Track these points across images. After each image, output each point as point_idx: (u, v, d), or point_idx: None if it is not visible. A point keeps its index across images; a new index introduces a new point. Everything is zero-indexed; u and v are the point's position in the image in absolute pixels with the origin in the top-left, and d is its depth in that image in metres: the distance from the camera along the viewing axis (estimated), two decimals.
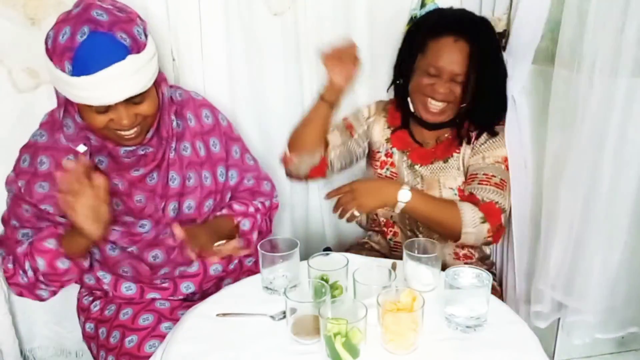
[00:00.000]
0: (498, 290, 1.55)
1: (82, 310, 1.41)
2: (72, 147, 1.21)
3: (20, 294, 1.28)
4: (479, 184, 1.36)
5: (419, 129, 1.48)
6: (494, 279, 1.51)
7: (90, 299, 1.39)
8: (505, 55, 1.43)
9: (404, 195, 1.28)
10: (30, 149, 1.25)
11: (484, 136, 1.42)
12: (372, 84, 1.64)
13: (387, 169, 1.50)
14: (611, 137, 1.30)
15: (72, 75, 1.07)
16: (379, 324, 1.00)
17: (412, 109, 1.44)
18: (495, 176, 1.36)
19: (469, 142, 1.43)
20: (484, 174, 1.37)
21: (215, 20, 1.55)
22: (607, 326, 1.51)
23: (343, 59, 1.32)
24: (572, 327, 1.51)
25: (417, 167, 1.47)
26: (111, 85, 1.08)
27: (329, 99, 1.36)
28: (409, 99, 1.44)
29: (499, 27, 1.49)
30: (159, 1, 1.47)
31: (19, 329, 1.70)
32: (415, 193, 1.29)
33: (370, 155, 1.56)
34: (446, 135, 1.46)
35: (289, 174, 1.47)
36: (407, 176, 1.48)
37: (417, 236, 1.47)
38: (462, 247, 1.49)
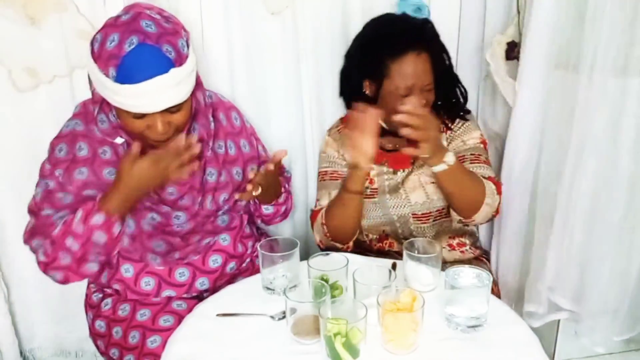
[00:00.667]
0: (495, 288, 1.55)
1: (91, 307, 1.41)
2: (108, 140, 1.24)
3: (66, 279, 1.26)
4: (470, 163, 1.39)
5: (389, 138, 1.45)
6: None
7: (100, 296, 1.39)
8: (520, 64, 1.42)
9: (451, 157, 1.26)
10: (65, 137, 1.27)
11: (456, 123, 1.45)
12: None
13: (367, 188, 1.46)
14: (605, 137, 1.30)
15: (115, 81, 1.10)
16: (379, 324, 1.00)
17: (384, 126, 1.40)
18: (481, 155, 1.41)
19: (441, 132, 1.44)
20: (471, 154, 1.41)
21: (215, 20, 1.55)
22: (621, 328, 1.50)
23: (365, 131, 1.24)
24: (591, 332, 1.50)
25: (399, 172, 1.46)
26: (152, 95, 1.11)
27: (360, 190, 1.32)
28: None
29: (504, 41, 1.47)
30: (159, 1, 1.47)
31: (19, 329, 1.70)
32: (456, 160, 1.29)
33: None
34: None
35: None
36: (388, 185, 1.46)
37: None
38: (453, 236, 1.49)
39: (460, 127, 1.45)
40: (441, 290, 1.10)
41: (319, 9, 1.59)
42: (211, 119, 1.34)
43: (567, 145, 1.34)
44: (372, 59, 1.37)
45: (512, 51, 1.48)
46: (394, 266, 1.24)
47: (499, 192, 1.37)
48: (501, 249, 1.63)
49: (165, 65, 1.11)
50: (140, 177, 1.18)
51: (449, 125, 1.46)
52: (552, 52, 1.36)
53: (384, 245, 1.52)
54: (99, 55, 1.11)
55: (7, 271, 1.65)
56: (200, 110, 1.29)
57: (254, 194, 1.29)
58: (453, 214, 1.45)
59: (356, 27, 1.61)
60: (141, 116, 1.15)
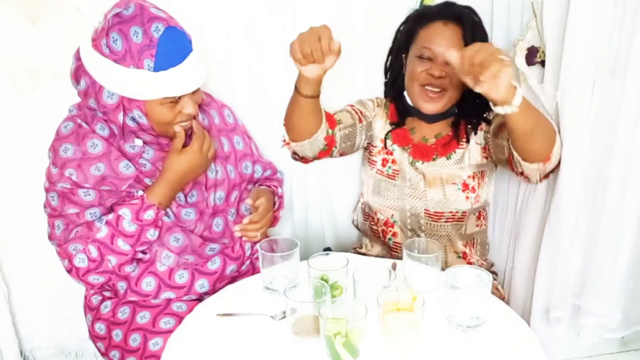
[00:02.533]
0: (502, 294, 1.54)
1: (90, 309, 1.41)
2: (123, 146, 1.24)
3: (107, 282, 1.27)
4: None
5: (419, 125, 1.47)
6: (494, 279, 1.51)
7: (100, 298, 1.39)
8: (552, 68, 1.36)
9: (519, 95, 1.08)
10: (68, 137, 1.24)
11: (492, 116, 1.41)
12: (372, 83, 1.64)
13: (389, 167, 1.49)
14: (622, 138, 1.29)
15: (154, 71, 1.11)
16: (379, 324, 1.00)
17: (410, 103, 1.44)
18: None
19: (475, 133, 1.42)
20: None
21: (216, 20, 1.55)
22: (620, 324, 1.49)
23: (314, 50, 1.13)
24: (582, 329, 1.50)
25: (418, 164, 1.45)
26: (190, 74, 1.16)
27: (306, 92, 1.24)
28: (405, 94, 1.44)
29: (523, 46, 1.44)
30: (159, 2, 1.47)
31: (19, 328, 1.70)
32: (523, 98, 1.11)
33: (368, 150, 1.54)
34: (446, 131, 1.45)
35: (295, 157, 1.46)
36: (409, 173, 1.46)
37: (418, 236, 1.46)
38: (464, 244, 1.48)
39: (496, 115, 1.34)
40: (441, 290, 1.10)
41: (320, 10, 1.59)
42: (200, 114, 1.34)
43: (580, 147, 1.33)
44: (407, 33, 1.41)
45: (534, 56, 1.46)
46: (394, 266, 1.24)
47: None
48: (511, 255, 1.62)
49: (190, 43, 1.16)
50: (189, 165, 1.24)
51: (469, 135, 1.42)
52: (594, 57, 1.29)
53: (388, 232, 1.52)
54: (125, 54, 1.11)
55: (7, 271, 1.65)
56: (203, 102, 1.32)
57: (258, 237, 1.35)
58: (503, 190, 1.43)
59: (358, 28, 1.61)
60: (175, 102, 1.18)
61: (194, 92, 1.22)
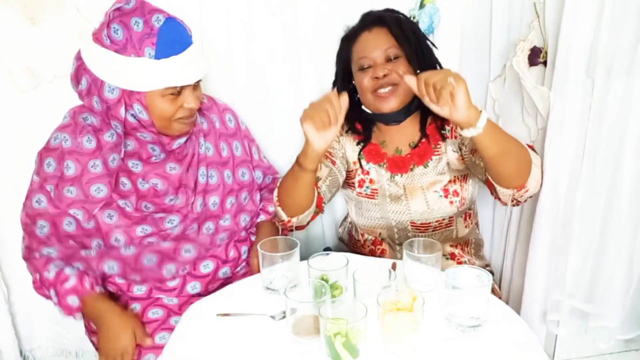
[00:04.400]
0: (498, 293, 1.54)
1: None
2: (108, 158, 1.25)
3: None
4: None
5: (388, 134, 1.44)
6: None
7: None
8: (549, 69, 1.36)
9: (484, 118, 1.11)
10: (53, 152, 1.26)
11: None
12: None
13: (367, 187, 1.45)
14: (630, 139, 1.29)
15: (155, 58, 1.12)
16: (379, 324, 1.00)
17: (369, 111, 1.41)
18: None
19: (444, 139, 1.40)
20: None
21: (216, 20, 1.55)
22: (626, 327, 1.49)
23: (324, 118, 1.17)
24: (596, 333, 1.50)
25: (397, 177, 1.42)
26: (191, 65, 1.17)
27: (311, 167, 1.25)
28: (364, 108, 1.42)
29: (527, 47, 1.44)
30: (159, 2, 1.47)
31: (19, 329, 1.70)
32: (489, 121, 1.13)
33: (347, 176, 1.49)
34: (417, 137, 1.42)
35: (290, 229, 1.42)
36: (389, 189, 1.43)
37: None
38: (455, 245, 1.48)
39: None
40: (441, 290, 1.10)
41: (320, 10, 1.59)
42: (197, 116, 1.34)
43: (585, 149, 1.32)
44: (343, 57, 1.42)
45: (537, 57, 1.45)
46: (394, 266, 1.24)
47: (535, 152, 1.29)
48: (511, 257, 1.61)
49: (190, 36, 1.17)
50: (111, 333, 1.25)
51: (445, 134, 1.40)
52: (588, 57, 1.29)
53: (377, 250, 1.51)
54: (126, 43, 1.12)
55: (7, 271, 1.65)
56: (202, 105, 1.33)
57: None
58: (488, 204, 1.41)
59: None
60: (177, 94, 1.18)
61: (195, 88, 1.22)
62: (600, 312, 1.45)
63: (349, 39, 1.41)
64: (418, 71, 1.31)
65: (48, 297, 1.32)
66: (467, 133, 1.12)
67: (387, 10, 1.41)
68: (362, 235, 1.52)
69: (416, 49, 1.35)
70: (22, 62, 1.48)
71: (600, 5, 1.23)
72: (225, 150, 1.41)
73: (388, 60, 1.34)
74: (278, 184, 1.37)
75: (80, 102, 1.27)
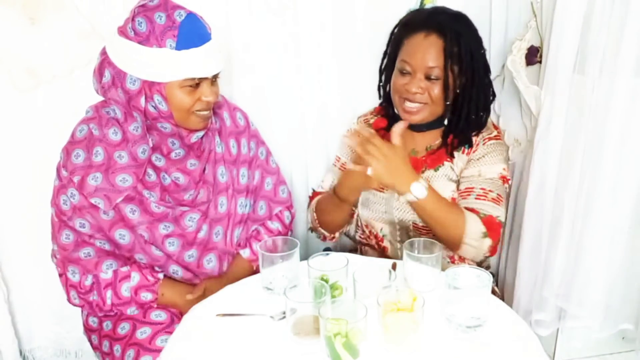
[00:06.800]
0: (498, 294, 1.54)
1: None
2: (135, 151, 1.25)
3: (82, 307, 1.36)
4: (476, 198, 1.31)
5: (409, 133, 1.43)
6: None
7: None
8: (543, 68, 1.37)
9: (419, 191, 1.22)
10: (81, 143, 1.26)
11: (482, 149, 1.37)
12: (373, 83, 1.64)
13: None
14: (611, 139, 1.29)
15: (177, 49, 1.15)
16: (379, 324, 1.00)
17: (396, 111, 1.42)
18: (492, 191, 1.32)
19: (463, 150, 1.40)
20: (481, 189, 1.32)
21: (216, 20, 1.54)
22: (602, 325, 1.50)
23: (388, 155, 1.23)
24: (571, 332, 1.51)
25: None
26: (211, 57, 1.20)
27: (351, 201, 1.37)
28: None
29: (524, 47, 1.44)
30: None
31: (19, 329, 1.70)
32: (430, 192, 1.24)
33: None
34: (436, 142, 1.43)
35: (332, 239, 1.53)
36: None
37: None
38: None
39: (484, 156, 1.36)
40: (441, 290, 1.10)
41: (321, 10, 1.59)
42: (216, 118, 1.36)
43: (570, 149, 1.33)
44: (395, 40, 1.41)
45: (534, 56, 1.44)
46: (394, 266, 1.24)
47: (493, 236, 1.27)
48: (505, 258, 1.61)
49: (209, 33, 1.22)
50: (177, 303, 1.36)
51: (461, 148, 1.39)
52: (577, 56, 1.30)
53: (378, 247, 1.51)
54: (149, 34, 1.15)
55: (7, 271, 1.65)
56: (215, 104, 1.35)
57: None
58: None
59: (359, 28, 1.61)
60: (195, 86, 1.21)
61: (212, 83, 1.25)
62: (579, 312, 1.45)
63: (406, 29, 1.37)
64: (448, 102, 1.34)
65: (89, 304, 1.31)
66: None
67: (457, 17, 1.36)
68: (366, 226, 1.52)
69: (466, 74, 1.33)
70: (22, 62, 1.48)
71: (590, 5, 1.23)
72: (235, 148, 1.42)
73: (428, 77, 1.32)
74: (314, 208, 1.48)
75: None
